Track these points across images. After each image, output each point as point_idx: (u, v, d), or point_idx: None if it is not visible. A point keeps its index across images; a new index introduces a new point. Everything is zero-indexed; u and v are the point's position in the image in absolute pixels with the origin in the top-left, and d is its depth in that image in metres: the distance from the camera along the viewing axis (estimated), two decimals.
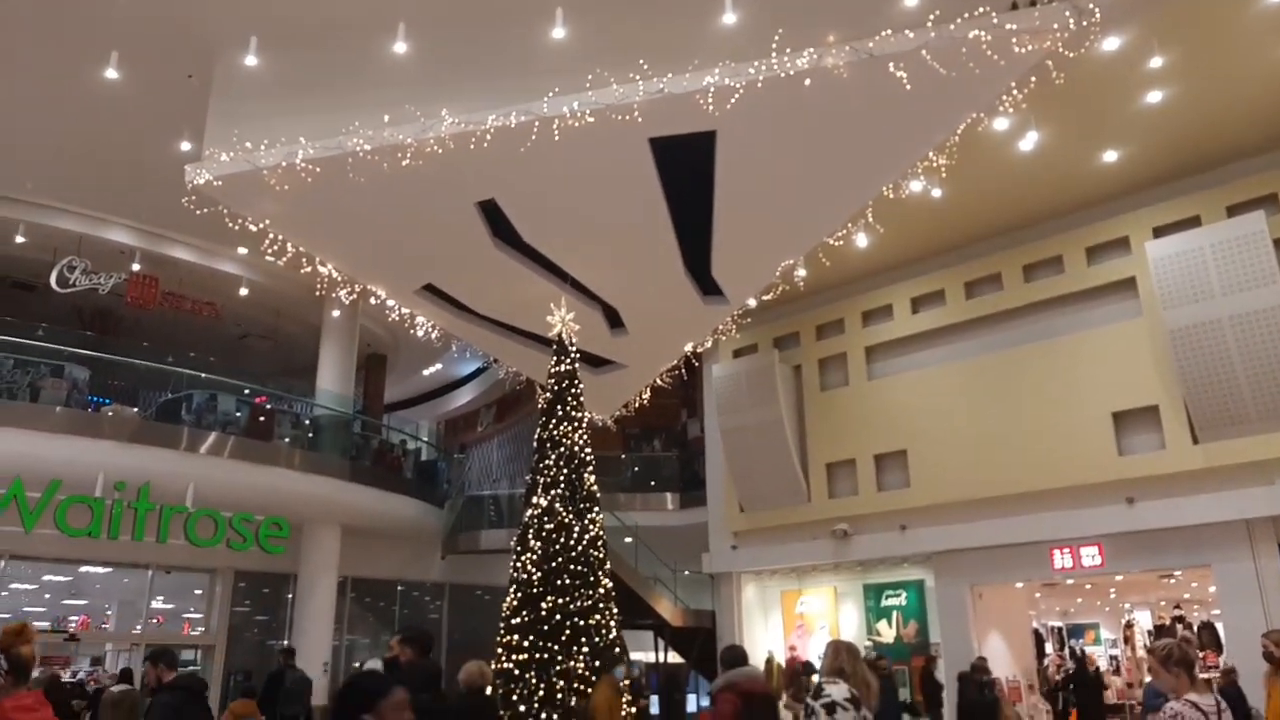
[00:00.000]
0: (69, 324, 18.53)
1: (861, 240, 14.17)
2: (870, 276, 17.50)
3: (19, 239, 16.23)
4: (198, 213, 10.82)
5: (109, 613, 18.38)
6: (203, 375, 17.31)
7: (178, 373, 17.27)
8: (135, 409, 16.08)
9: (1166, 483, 13.78)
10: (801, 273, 13.05)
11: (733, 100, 9.05)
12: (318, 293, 13.22)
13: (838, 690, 5.09)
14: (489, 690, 7.85)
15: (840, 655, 5.32)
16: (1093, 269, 15.15)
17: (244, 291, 18.58)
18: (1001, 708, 11.28)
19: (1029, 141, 12.51)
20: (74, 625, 17.02)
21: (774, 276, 12.97)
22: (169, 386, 16.98)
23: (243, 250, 17.22)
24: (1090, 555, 14.54)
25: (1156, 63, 11.35)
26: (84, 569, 17.34)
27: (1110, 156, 13.84)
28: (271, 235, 11.29)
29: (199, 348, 19.31)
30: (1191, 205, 14.17)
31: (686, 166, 10.36)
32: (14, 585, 16.51)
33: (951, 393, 16.22)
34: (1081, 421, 14.62)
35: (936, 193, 13.01)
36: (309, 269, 11.89)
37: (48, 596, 17.76)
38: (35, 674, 5.10)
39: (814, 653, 17.53)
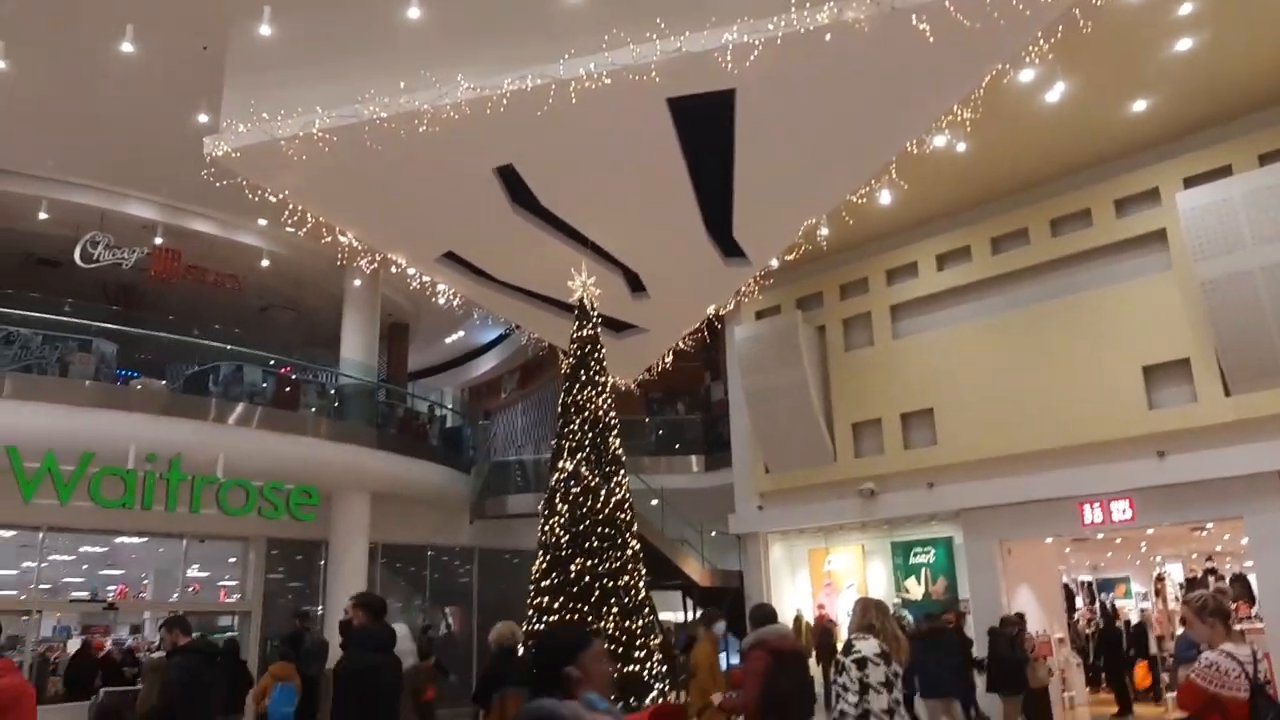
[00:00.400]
0: (94, 299, 18.67)
1: (885, 197, 14.00)
2: (894, 234, 17.29)
3: (42, 215, 16.34)
4: (218, 185, 10.82)
5: (146, 582, 18.75)
6: (228, 347, 17.45)
7: (203, 345, 17.42)
8: (163, 382, 16.27)
9: (1198, 435, 13.63)
10: (824, 232, 12.91)
11: (752, 58, 8.88)
12: (338, 263, 13.23)
13: (868, 646, 5.14)
14: (519, 649, 7.98)
15: (870, 612, 5.37)
16: (1122, 221, 14.88)
17: (265, 263, 18.65)
18: (1032, 663, 11.28)
19: (1056, 92, 12.24)
20: (112, 595, 17.38)
21: (796, 236, 12.83)
22: (195, 359, 17.14)
23: (263, 221, 17.26)
24: (1121, 509, 14.45)
25: (1186, 9, 11.04)
26: (120, 540, 17.65)
27: (1139, 106, 13.53)
28: (291, 205, 11.28)
29: (223, 320, 19.45)
30: (1222, 154, 13.85)
31: (706, 126, 10.22)
32: (53, 557, 16.85)
33: (978, 350, 16.07)
34: (1111, 376, 14.46)
35: (961, 147, 12.79)
36: (329, 239, 11.88)
37: (85, 567, 18.12)
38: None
39: (842, 611, 17.63)
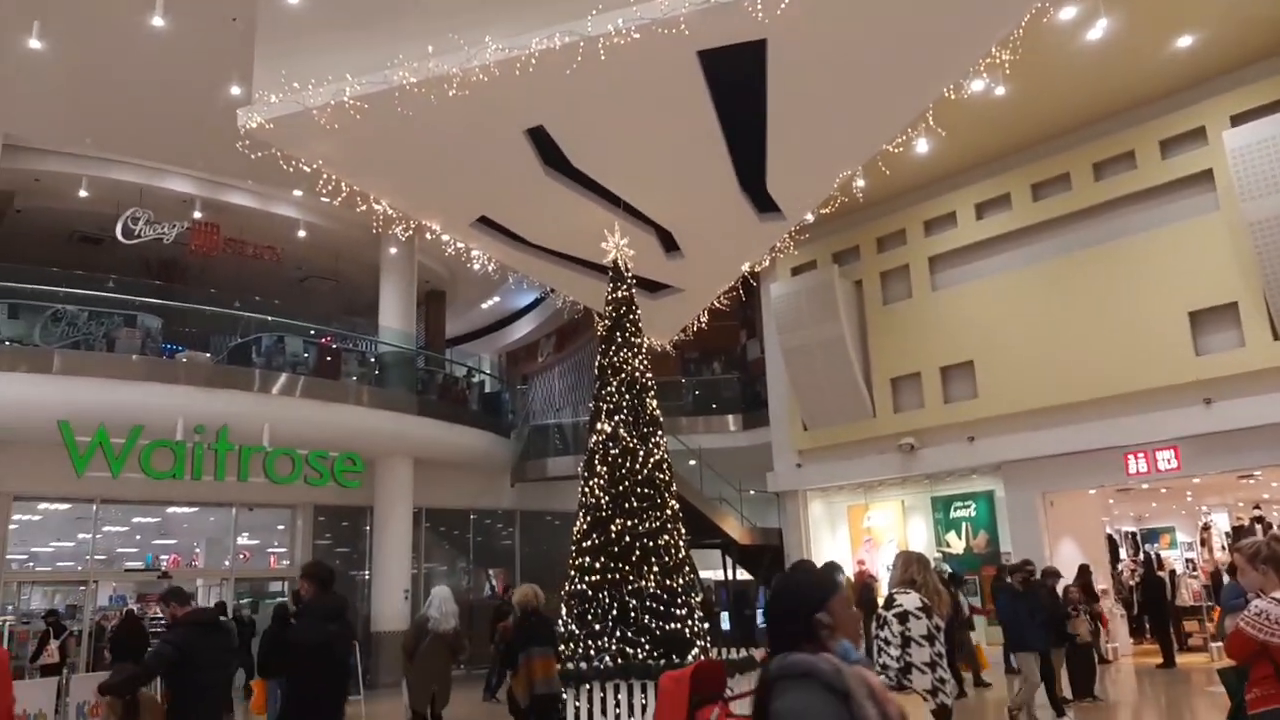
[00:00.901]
0: (137, 275, 19.00)
1: (922, 146, 13.75)
2: (932, 184, 17.01)
3: (82, 193, 16.59)
4: (253, 157, 10.88)
5: (198, 550, 19.19)
6: (269, 319, 17.69)
7: (244, 317, 17.67)
8: (207, 355, 16.54)
9: (1246, 381, 13.38)
10: (860, 183, 12.69)
11: (783, 6, 8.70)
12: (374, 230, 13.29)
13: (909, 600, 5.16)
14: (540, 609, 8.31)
15: (911, 566, 5.38)
16: (1167, 162, 14.52)
17: (302, 234, 18.81)
18: (1071, 628, 11.20)
19: (1098, 30, 11.91)
20: (165, 564, 17.84)
21: (832, 189, 12.64)
22: (237, 331, 17.40)
23: (298, 193, 17.37)
24: (1166, 459, 14.25)
25: None
26: (171, 510, 18.08)
27: (1184, 42, 13.12)
28: (325, 175, 11.31)
29: (263, 292, 19.69)
30: (1271, 89, 13.43)
31: (737, 79, 10.05)
32: (106, 528, 17.32)
33: (1019, 300, 15.83)
34: (1156, 322, 14.20)
35: (1000, 91, 12.49)
36: (364, 207, 11.92)
37: (139, 538, 18.60)
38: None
39: (882, 566, 17.63)
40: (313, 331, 18.13)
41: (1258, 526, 15.89)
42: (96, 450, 14.27)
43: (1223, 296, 13.79)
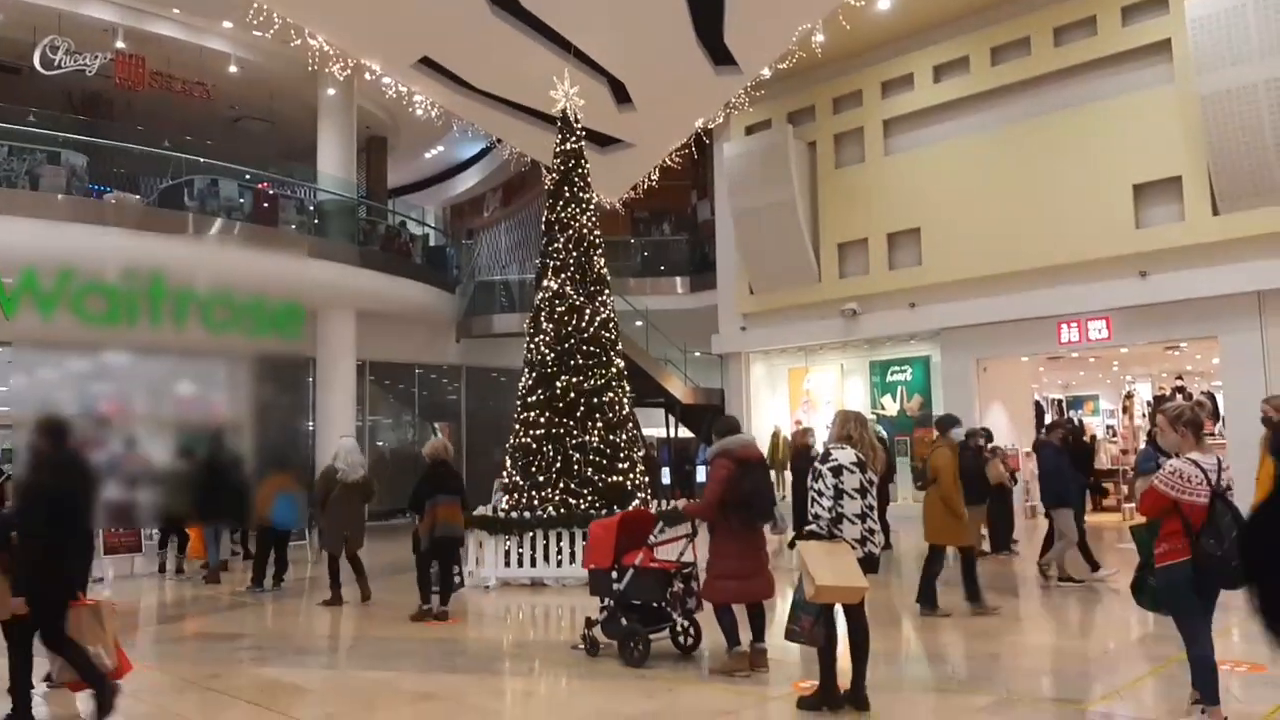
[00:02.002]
0: (59, 108, 17.93)
1: (884, 2, 13.32)
2: (892, 43, 16.60)
3: None
4: None
5: (137, 399, 18.92)
6: (201, 160, 16.91)
7: (175, 158, 16.89)
8: (137, 196, 15.86)
9: (1182, 255, 13.68)
10: (819, 38, 12.32)
11: None
12: (310, 69, 12.63)
13: (845, 455, 5.32)
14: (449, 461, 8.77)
15: (849, 423, 5.51)
16: (1127, 30, 14.34)
17: (234, 70, 17.83)
18: (987, 469, 11.67)
19: None
20: (104, 410, 17.59)
21: (790, 42, 12.26)
22: (168, 173, 16.64)
23: (228, 24, 16.37)
24: (1097, 329, 14.67)
25: None
26: (109, 357, 17.69)
27: None
28: (256, 4, 10.61)
29: (194, 132, 18.76)
30: None
31: None
32: (41, 372, 16.92)
33: (970, 167, 15.80)
34: (1101, 194, 14.33)
35: None
36: (299, 42, 11.28)
37: (74, 384, 18.24)
38: None
39: (820, 427, 18.12)
40: (248, 176, 17.42)
41: (1179, 395, 16.57)
42: (26, 293, 13.78)
43: (1167, 170, 13.92)
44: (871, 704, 5.17)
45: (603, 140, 13.89)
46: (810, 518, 5.34)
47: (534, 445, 10.78)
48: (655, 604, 6.56)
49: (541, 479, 10.62)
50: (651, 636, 6.51)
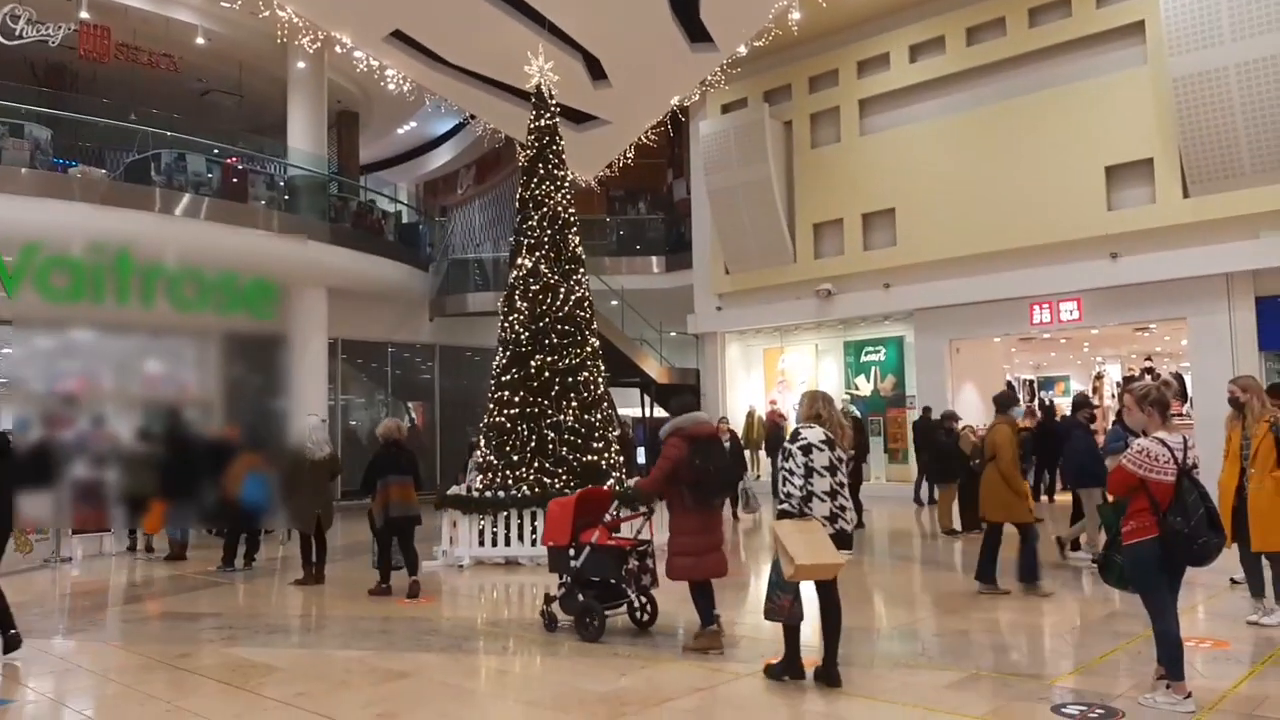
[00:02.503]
0: (22, 80, 17.49)
1: None
2: (868, 22, 16.57)
3: None
4: None
5: (105, 377, 18.64)
6: (168, 134, 16.58)
7: (142, 131, 16.53)
8: (103, 171, 15.53)
9: (1152, 237, 13.81)
10: (796, 16, 12.26)
11: None
12: (280, 41, 12.39)
13: (813, 434, 5.37)
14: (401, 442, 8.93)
15: (816, 403, 5.55)
16: (1101, 11, 14.43)
17: (201, 41, 17.49)
18: (960, 444, 11.79)
19: None
20: (70, 387, 17.31)
21: (767, 20, 12.19)
22: (134, 147, 16.30)
23: None
24: (1069, 310, 14.80)
25: None
26: (75, 335, 17.39)
27: None
28: None
29: (161, 105, 18.38)
30: None
31: None
32: (4, 350, 16.60)
33: (945, 148, 15.84)
34: (1074, 176, 14.43)
35: None
36: (267, 13, 11.06)
37: (38, 362, 17.92)
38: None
39: (793, 407, 18.20)
40: (216, 151, 17.11)
41: (1147, 376, 16.77)
42: None
43: (1139, 152, 14.03)
44: (842, 679, 5.23)
45: (578, 117, 13.79)
46: (781, 496, 5.38)
47: (508, 424, 10.73)
48: (611, 581, 6.64)
49: (516, 458, 10.58)
50: (608, 613, 6.60)
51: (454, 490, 10.97)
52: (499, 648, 6.64)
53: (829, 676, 5.24)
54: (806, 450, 5.28)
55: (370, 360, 21.24)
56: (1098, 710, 4.72)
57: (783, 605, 5.24)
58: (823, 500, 5.23)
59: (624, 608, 6.74)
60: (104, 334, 16.81)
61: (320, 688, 5.55)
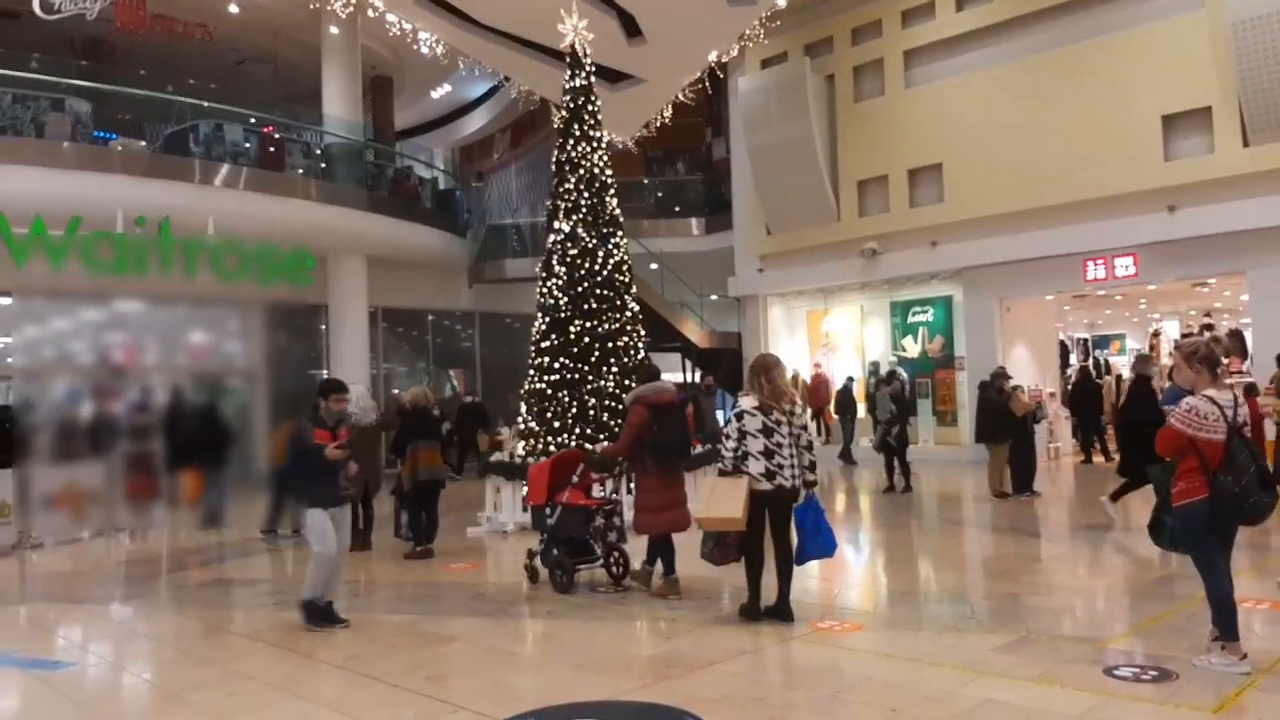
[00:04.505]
0: (61, 54, 17.66)
1: None
2: None
3: None
4: None
5: (150, 347, 18.92)
6: (205, 104, 16.65)
7: (179, 103, 16.62)
8: (143, 143, 15.66)
9: (1211, 188, 13.30)
10: None
11: None
12: (312, 6, 12.30)
13: (746, 401, 5.92)
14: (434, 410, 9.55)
15: (754, 374, 6.02)
16: None
17: (234, 9, 17.52)
18: (1012, 405, 11.52)
19: None
20: (118, 358, 17.59)
21: None
22: (172, 118, 16.40)
23: None
24: (1125, 265, 14.36)
25: None
26: (121, 307, 17.63)
27: None
28: None
29: (197, 76, 18.50)
30: None
31: None
32: (55, 323, 16.88)
33: (993, 99, 15.36)
34: (1129, 126, 13.91)
35: None
36: None
37: (87, 333, 18.22)
38: None
39: (840, 370, 17.99)
40: (253, 120, 17.16)
41: (1205, 334, 16.29)
42: (36, 243, 13.67)
43: (1197, 100, 13.47)
44: (795, 616, 5.76)
45: (613, 76, 13.56)
46: (720, 459, 5.98)
47: (549, 391, 10.67)
48: (582, 537, 7.19)
49: (557, 424, 10.54)
50: (581, 567, 7.16)
51: (497, 457, 10.99)
52: (544, 612, 6.64)
53: (782, 613, 5.78)
54: (740, 416, 5.86)
55: (411, 328, 21.34)
56: (1151, 672, 4.60)
57: (707, 550, 5.96)
58: (757, 459, 5.75)
59: (599, 563, 7.21)
60: (150, 306, 17.05)
61: (370, 651, 5.58)
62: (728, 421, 6.01)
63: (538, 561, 7.35)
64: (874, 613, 6.48)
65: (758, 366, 6.04)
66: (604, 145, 11.21)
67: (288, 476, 8.60)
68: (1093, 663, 4.79)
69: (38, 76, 15.17)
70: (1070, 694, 4.32)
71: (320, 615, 6.15)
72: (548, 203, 11.50)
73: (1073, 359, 18.07)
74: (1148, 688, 4.40)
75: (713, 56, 13.82)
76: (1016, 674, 4.67)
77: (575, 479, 7.35)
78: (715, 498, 5.85)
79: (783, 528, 5.91)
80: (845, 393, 16.77)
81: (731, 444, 5.83)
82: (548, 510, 7.38)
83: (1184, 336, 17.15)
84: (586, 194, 10.96)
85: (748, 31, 13.34)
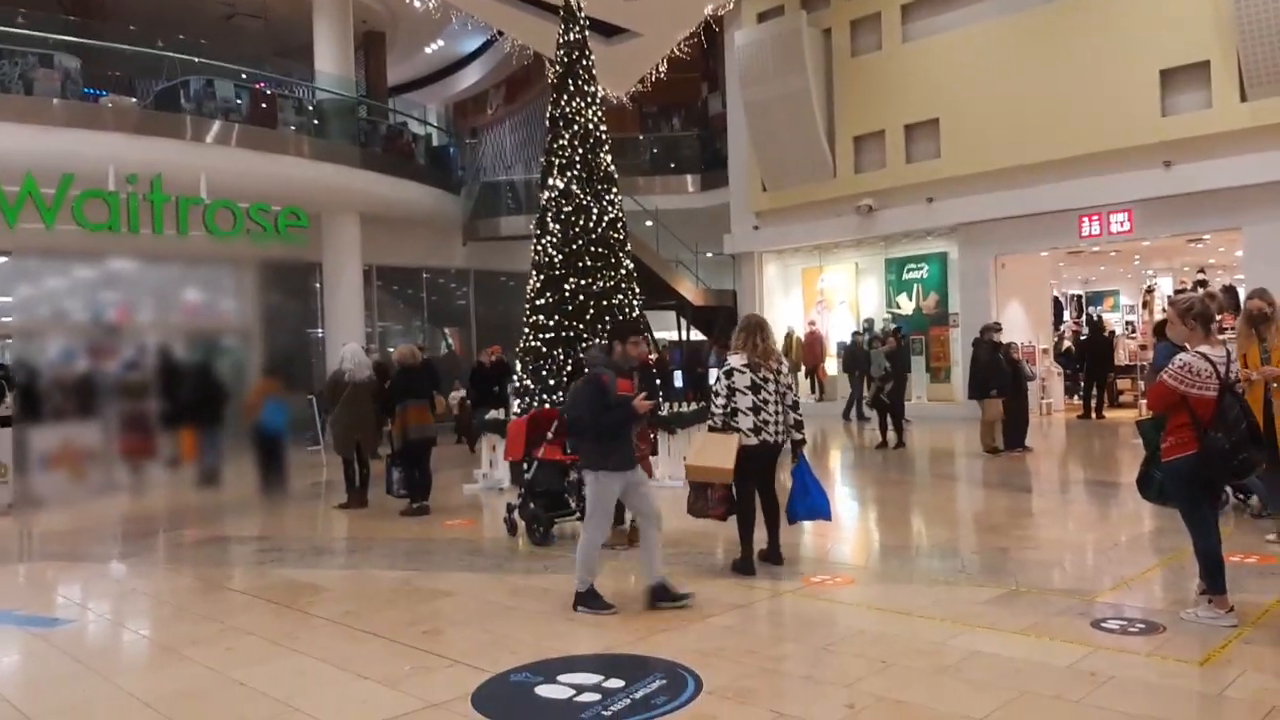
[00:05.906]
0: (50, 9, 17.35)
1: None
2: None
3: None
4: None
5: (144, 305, 18.86)
6: (196, 60, 16.40)
7: (169, 58, 16.37)
8: (133, 99, 15.46)
9: (1208, 144, 13.25)
10: None
11: None
12: None
13: (734, 359, 6.09)
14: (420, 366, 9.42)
15: (739, 334, 6.18)
16: None
17: None
18: (1003, 361, 11.55)
19: None
20: (112, 316, 17.54)
21: None
22: (162, 75, 16.17)
23: None
24: (1119, 221, 14.35)
25: None
26: (114, 265, 17.54)
27: None
28: None
29: (186, 30, 18.16)
30: None
31: None
32: (49, 282, 16.82)
33: (991, 53, 15.21)
34: (1126, 81, 13.81)
35: None
36: None
37: (81, 292, 18.15)
38: None
39: (834, 328, 18.01)
40: (244, 75, 16.92)
41: (1200, 290, 16.31)
42: (27, 201, 13.55)
43: (1195, 55, 13.38)
44: (784, 558, 6.13)
45: (608, 30, 13.40)
46: (710, 415, 6.16)
47: (543, 349, 10.68)
48: (558, 491, 7.49)
49: (552, 382, 10.57)
50: (558, 520, 7.48)
51: (492, 415, 11.03)
52: (540, 567, 6.71)
53: (774, 556, 6.13)
54: (729, 374, 6.03)
55: (406, 287, 21.25)
56: (1139, 625, 4.68)
57: (689, 501, 6.13)
58: (746, 415, 5.96)
59: (576, 516, 7.42)
60: (143, 264, 16.97)
61: (367, 606, 5.65)
62: (717, 380, 6.16)
63: (516, 515, 7.57)
64: (865, 567, 6.56)
65: (750, 326, 6.20)
66: (599, 100, 11.10)
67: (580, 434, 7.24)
68: (1081, 615, 4.87)
69: (25, 32, 14.91)
70: (1058, 646, 4.40)
71: (592, 600, 5.34)
72: (542, 159, 11.41)
73: (1065, 315, 18.09)
74: (1135, 640, 4.48)
75: (708, 10, 13.66)
76: (1005, 626, 4.75)
77: (550, 435, 7.50)
78: (706, 449, 6.03)
79: (768, 480, 6.18)
80: (853, 348, 16.70)
81: (721, 401, 6.01)
82: (525, 465, 7.59)
83: (1178, 292, 17.17)
84: (581, 150, 10.87)
85: None
